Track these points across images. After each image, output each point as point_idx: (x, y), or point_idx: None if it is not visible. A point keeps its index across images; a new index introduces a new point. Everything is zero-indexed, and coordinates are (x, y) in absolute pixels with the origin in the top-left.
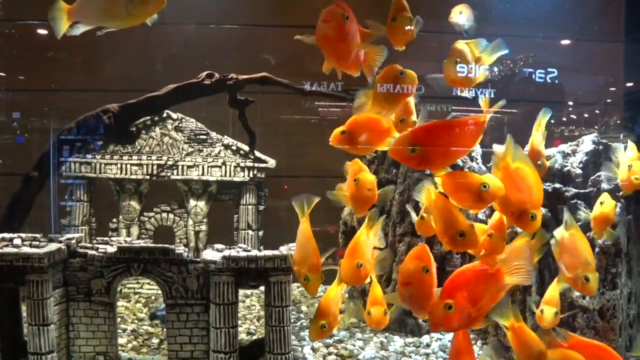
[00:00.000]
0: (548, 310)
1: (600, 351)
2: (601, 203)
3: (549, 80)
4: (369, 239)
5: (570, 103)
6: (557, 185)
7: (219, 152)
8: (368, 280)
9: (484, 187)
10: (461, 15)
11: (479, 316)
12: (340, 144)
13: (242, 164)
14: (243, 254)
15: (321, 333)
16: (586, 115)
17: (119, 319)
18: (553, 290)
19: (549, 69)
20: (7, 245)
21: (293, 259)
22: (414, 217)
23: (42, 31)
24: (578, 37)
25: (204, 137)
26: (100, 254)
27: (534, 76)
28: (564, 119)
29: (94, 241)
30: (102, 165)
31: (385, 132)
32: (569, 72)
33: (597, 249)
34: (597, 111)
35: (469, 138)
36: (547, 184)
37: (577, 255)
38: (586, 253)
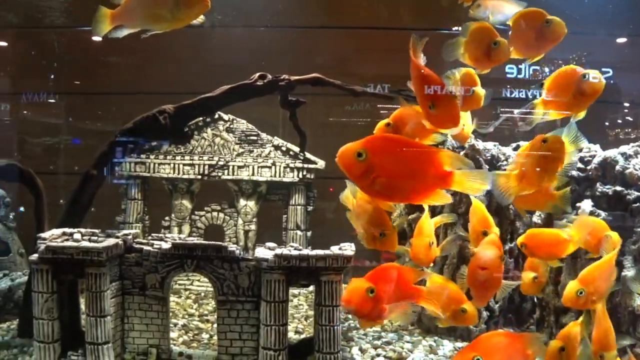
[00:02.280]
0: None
1: None
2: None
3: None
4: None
5: (627, 104)
6: (619, 188)
7: (269, 153)
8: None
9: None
10: (480, 8)
11: (384, 315)
12: None
13: (291, 165)
14: (295, 252)
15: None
16: None
17: (170, 314)
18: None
19: (604, 69)
20: (67, 240)
21: (360, 231)
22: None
23: (98, 38)
24: (634, 34)
25: (255, 137)
26: (155, 250)
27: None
28: (620, 120)
29: (149, 237)
30: (156, 165)
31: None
32: (625, 71)
33: None
34: None
35: (428, 178)
36: (608, 186)
37: None
38: None
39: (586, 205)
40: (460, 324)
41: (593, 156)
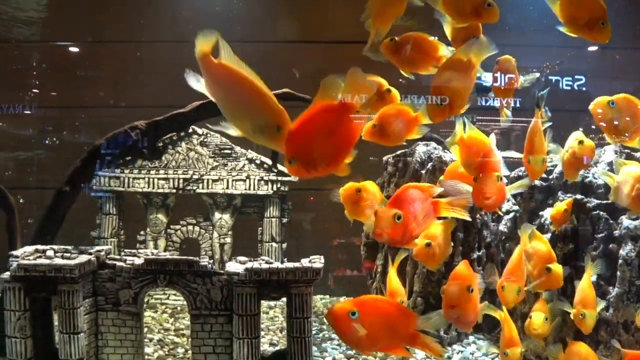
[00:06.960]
0: (590, 314)
1: None
2: (580, 142)
3: (576, 88)
4: None
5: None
6: (579, 197)
7: (243, 166)
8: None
9: None
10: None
11: (416, 234)
12: (372, 137)
13: (265, 178)
14: (265, 266)
15: None
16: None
17: (146, 329)
18: (588, 288)
19: (577, 76)
20: (40, 257)
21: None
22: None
23: (74, 49)
24: (604, 44)
25: (229, 151)
26: (128, 266)
27: (560, 84)
28: (593, 127)
29: (122, 253)
30: (131, 180)
31: (414, 120)
32: (597, 79)
33: (620, 261)
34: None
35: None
36: (568, 195)
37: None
38: None
39: (548, 213)
40: (544, 287)
41: (555, 166)
